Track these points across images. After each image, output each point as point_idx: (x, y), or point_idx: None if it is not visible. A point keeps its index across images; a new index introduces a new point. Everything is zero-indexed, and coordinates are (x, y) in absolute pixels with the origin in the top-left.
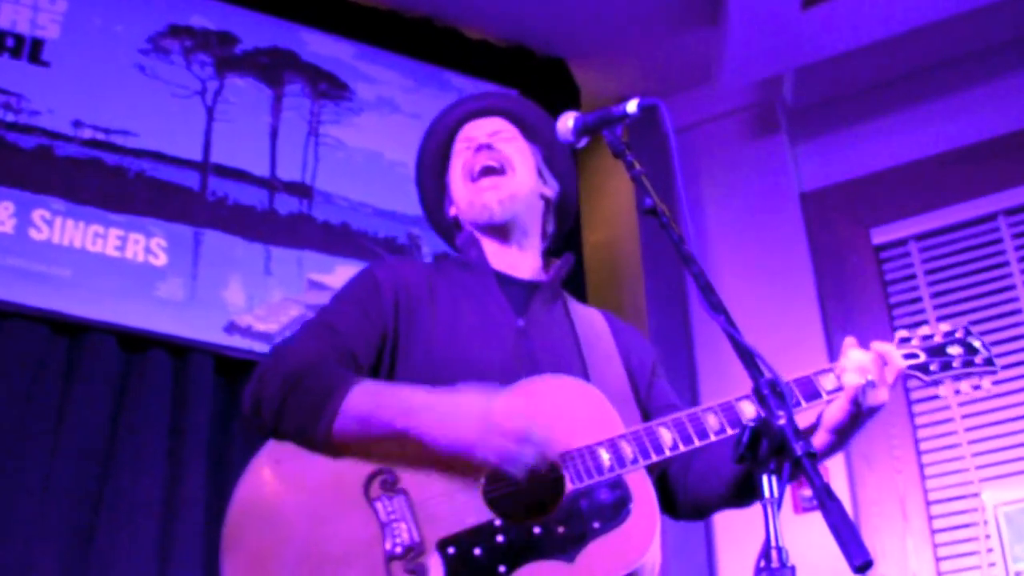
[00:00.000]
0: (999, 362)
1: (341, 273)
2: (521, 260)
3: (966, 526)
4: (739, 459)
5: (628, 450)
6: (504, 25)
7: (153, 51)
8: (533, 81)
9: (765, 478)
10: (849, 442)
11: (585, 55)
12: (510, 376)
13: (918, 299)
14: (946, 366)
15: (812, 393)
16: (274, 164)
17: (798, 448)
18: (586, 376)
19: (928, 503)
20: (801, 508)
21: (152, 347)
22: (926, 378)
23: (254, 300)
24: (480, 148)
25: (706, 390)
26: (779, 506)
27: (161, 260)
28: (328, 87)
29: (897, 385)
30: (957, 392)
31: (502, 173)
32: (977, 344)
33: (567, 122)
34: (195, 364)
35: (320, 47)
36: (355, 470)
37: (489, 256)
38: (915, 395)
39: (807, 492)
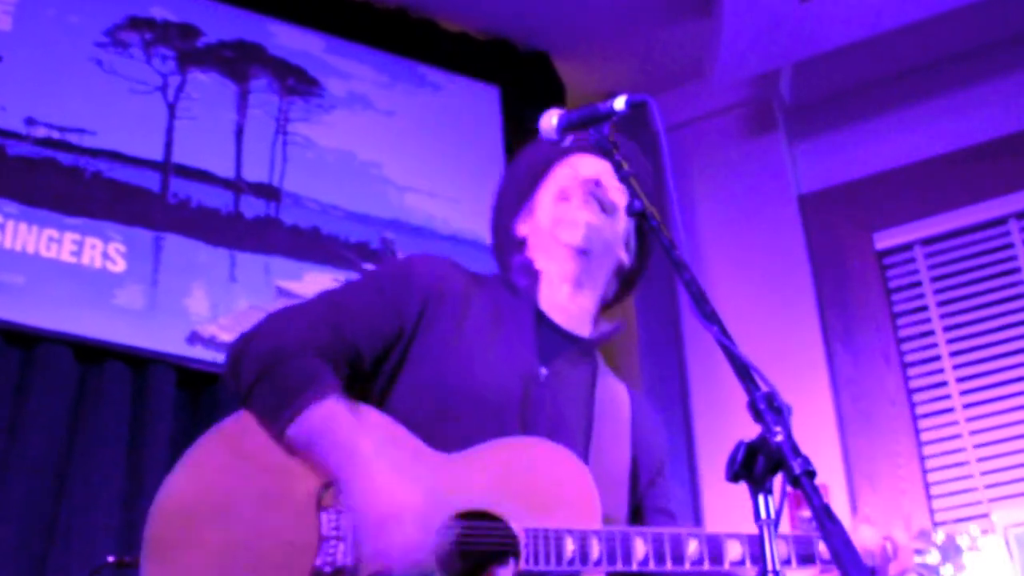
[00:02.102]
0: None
1: (310, 280)
2: (570, 307)
3: None
4: (733, 477)
5: (596, 549)
6: (484, 16)
7: (111, 44)
8: (515, 76)
9: (761, 498)
10: None
11: (570, 48)
12: (509, 425)
13: (923, 308)
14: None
15: (807, 556)
16: (240, 164)
17: (796, 466)
18: (586, 448)
19: (935, 524)
20: (800, 529)
21: (110, 358)
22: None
23: (218, 309)
24: (589, 182)
25: (698, 405)
26: (776, 527)
27: (119, 266)
28: (297, 82)
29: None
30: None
31: (603, 211)
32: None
33: (551, 119)
34: (155, 376)
35: (288, 40)
36: (316, 472)
37: (543, 288)
38: (920, 409)
39: (806, 513)
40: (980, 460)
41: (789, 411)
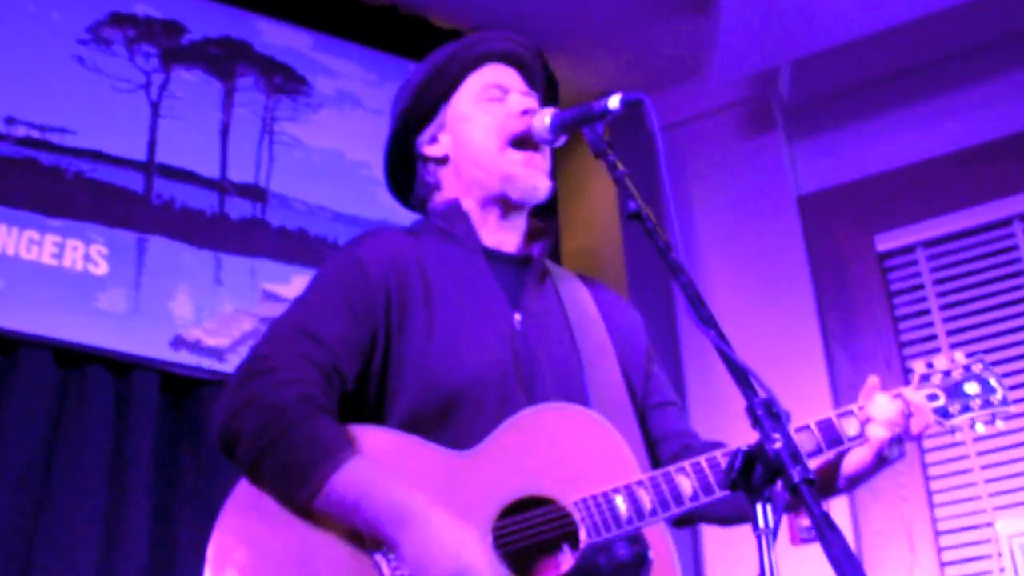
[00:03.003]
0: (1015, 380)
1: (297, 283)
2: (510, 233)
3: (978, 559)
4: (731, 485)
5: (647, 500)
6: (475, 12)
7: (93, 41)
8: None
9: (759, 506)
10: (856, 489)
11: (564, 46)
12: (511, 387)
13: (926, 311)
14: (965, 408)
15: (833, 439)
16: (225, 164)
17: (796, 474)
18: (583, 378)
19: (937, 534)
20: (799, 539)
21: (92, 363)
22: (946, 424)
23: (203, 312)
24: (526, 112)
25: (696, 410)
26: (775, 537)
27: (102, 269)
28: (284, 81)
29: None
30: (974, 437)
31: (538, 149)
32: (994, 381)
33: (543, 119)
34: (139, 382)
35: (275, 37)
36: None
37: (477, 226)
38: None
39: (805, 522)
40: (984, 468)
41: (788, 417)
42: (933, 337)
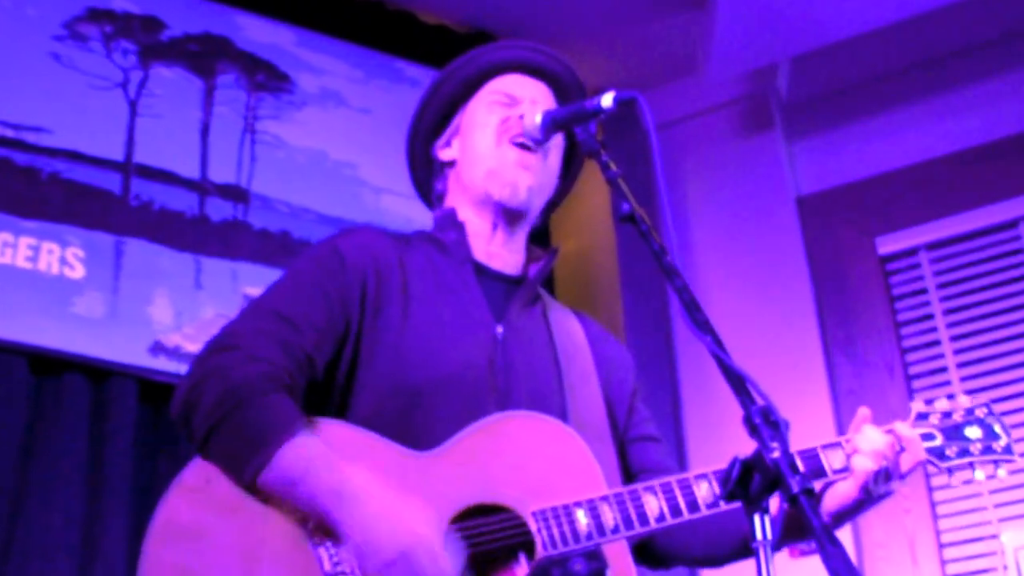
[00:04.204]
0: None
1: None
2: (505, 250)
3: (983, 571)
4: (728, 496)
5: (609, 516)
6: (464, 8)
7: (69, 37)
8: None
9: (757, 518)
10: (843, 525)
11: (555, 42)
12: (483, 394)
13: (929, 316)
14: (964, 452)
15: (815, 469)
16: (205, 165)
17: (794, 484)
18: (563, 399)
19: (941, 546)
20: (798, 552)
21: (68, 370)
22: (941, 465)
23: (183, 317)
24: (522, 117)
25: (691, 419)
26: (773, 549)
27: (78, 272)
28: (266, 78)
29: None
30: (968, 482)
31: (537, 153)
32: (998, 427)
33: (534, 118)
34: (116, 389)
35: (257, 33)
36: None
37: (472, 239)
38: None
39: None
40: (989, 477)
41: (787, 426)
42: (937, 343)
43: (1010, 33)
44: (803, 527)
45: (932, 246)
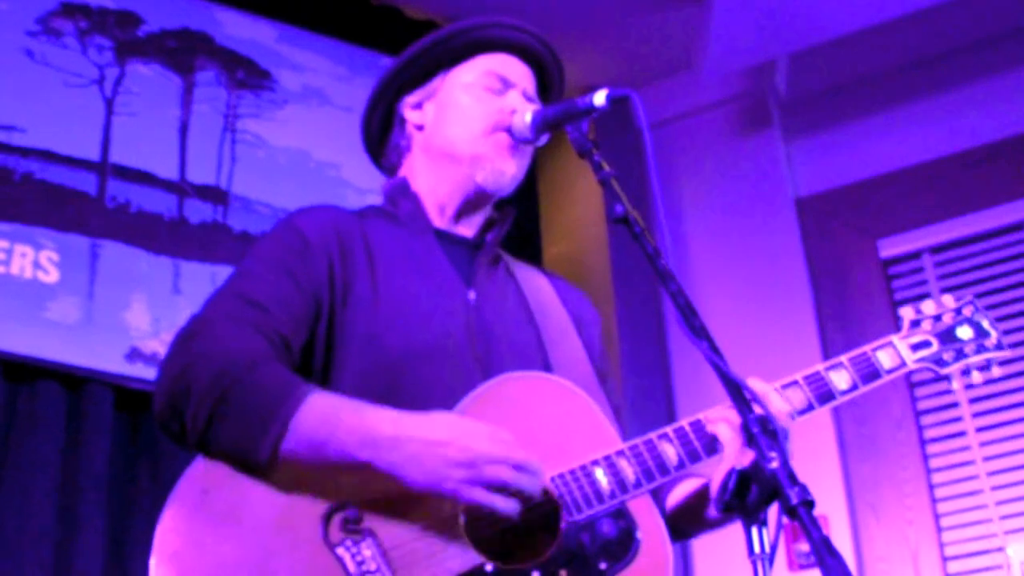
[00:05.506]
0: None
1: None
2: (466, 219)
3: None
4: (725, 507)
5: (629, 471)
6: (451, 2)
7: (43, 33)
8: None
9: (755, 530)
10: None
11: (546, 37)
12: (465, 360)
13: None
14: (959, 354)
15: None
16: (184, 165)
17: (793, 495)
18: (545, 355)
19: (945, 559)
20: (797, 565)
21: (42, 377)
22: (940, 371)
23: (160, 323)
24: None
25: None
26: (771, 562)
27: (52, 276)
28: (247, 75)
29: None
30: (969, 387)
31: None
32: (987, 324)
33: (524, 116)
34: (92, 397)
35: (237, 29)
36: (307, 504)
37: (429, 208)
38: (929, 433)
39: (804, 547)
40: (994, 489)
41: (785, 435)
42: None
43: (1017, 28)
44: (698, 515)
45: (936, 249)
